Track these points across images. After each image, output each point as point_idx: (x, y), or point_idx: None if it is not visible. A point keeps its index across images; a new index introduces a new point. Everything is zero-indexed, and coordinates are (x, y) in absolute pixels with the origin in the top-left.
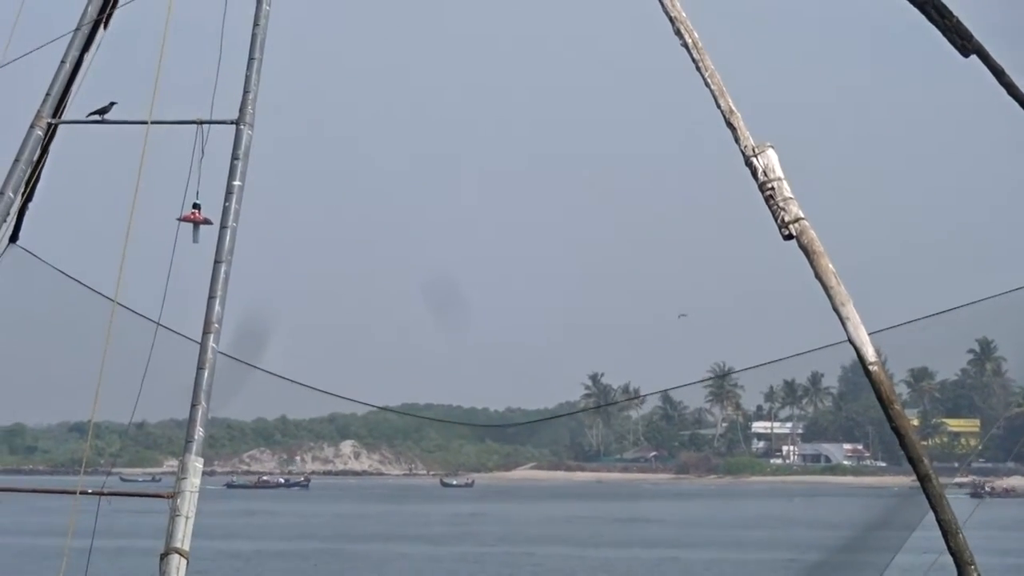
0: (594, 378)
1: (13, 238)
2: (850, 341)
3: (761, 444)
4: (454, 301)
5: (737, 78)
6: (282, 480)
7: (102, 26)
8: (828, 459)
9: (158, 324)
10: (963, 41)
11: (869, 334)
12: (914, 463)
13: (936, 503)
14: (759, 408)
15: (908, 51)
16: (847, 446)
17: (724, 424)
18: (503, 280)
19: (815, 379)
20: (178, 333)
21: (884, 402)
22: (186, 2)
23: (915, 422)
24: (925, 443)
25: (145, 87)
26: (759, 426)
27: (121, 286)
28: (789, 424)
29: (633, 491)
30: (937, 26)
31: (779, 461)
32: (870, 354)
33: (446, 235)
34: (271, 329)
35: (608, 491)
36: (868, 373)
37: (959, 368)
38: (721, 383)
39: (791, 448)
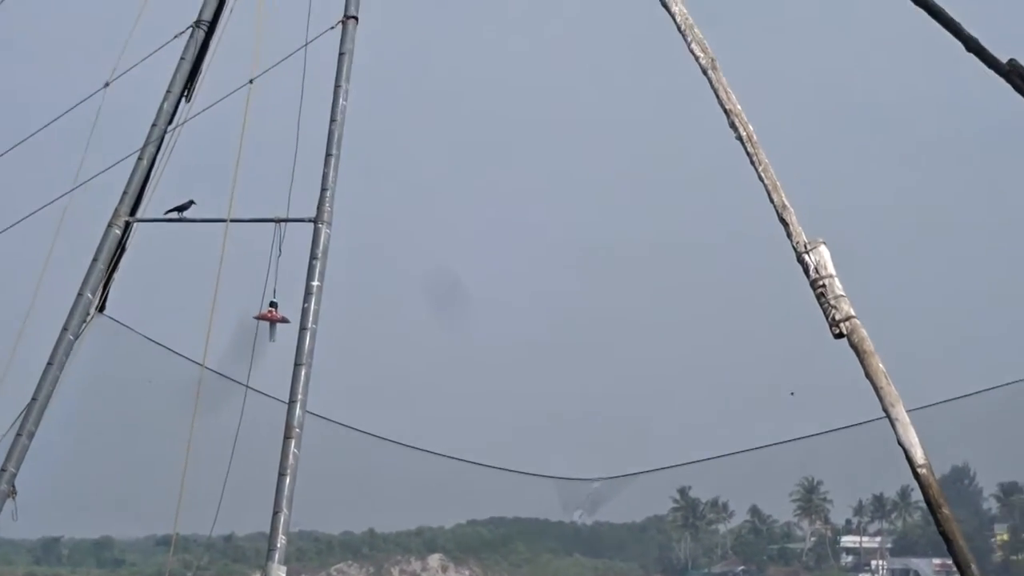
0: (682, 491)
1: (100, 308)
2: (899, 443)
3: (850, 558)
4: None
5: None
6: None
7: (185, 99)
8: (917, 573)
9: (247, 387)
10: None
11: (909, 411)
12: (961, 569)
13: None
14: (848, 522)
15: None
16: (936, 561)
17: (813, 538)
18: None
19: (904, 493)
20: (267, 395)
21: (932, 505)
22: (264, 101)
23: (1004, 537)
24: (1015, 558)
25: (223, 184)
26: (848, 540)
27: (202, 378)
28: (878, 538)
29: None
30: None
31: None
32: (919, 456)
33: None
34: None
35: None
36: (917, 475)
37: None
38: (810, 497)
39: (880, 563)
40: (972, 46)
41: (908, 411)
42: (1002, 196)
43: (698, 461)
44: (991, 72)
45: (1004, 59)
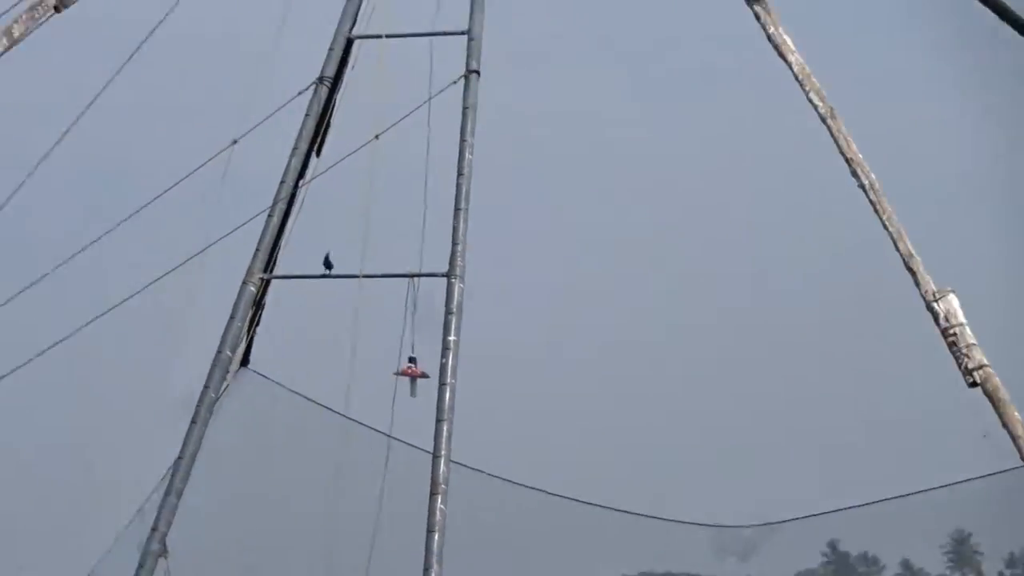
0: (832, 545)
1: (244, 362)
2: None
3: None
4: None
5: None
6: None
7: (315, 154)
8: None
9: (389, 437)
10: None
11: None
12: None
13: None
14: (1000, 574)
15: None
16: None
17: None
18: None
19: None
20: (413, 446)
21: None
22: (393, 153)
23: None
24: None
25: (356, 238)
26: None
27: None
28: None
29: None
30: None
31: None
32: None
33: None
34: None
35: None
36: None
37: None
38: (961, 549)
39: None
40: None
41: None
42: None
43: (848, 508)
44: None
45: None
